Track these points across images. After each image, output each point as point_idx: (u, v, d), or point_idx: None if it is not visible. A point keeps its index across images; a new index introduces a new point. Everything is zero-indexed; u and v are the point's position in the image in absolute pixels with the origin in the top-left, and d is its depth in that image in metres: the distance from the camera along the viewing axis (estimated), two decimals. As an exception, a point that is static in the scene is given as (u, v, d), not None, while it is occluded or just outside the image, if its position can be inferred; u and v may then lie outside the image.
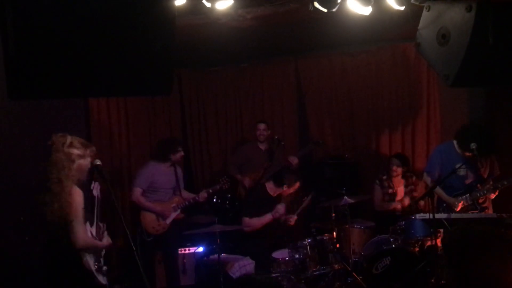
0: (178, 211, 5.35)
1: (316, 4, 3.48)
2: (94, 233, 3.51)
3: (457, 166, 4.53)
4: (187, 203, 5.38)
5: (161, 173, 5.34)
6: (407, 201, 5.61)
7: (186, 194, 5.52)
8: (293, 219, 5.18)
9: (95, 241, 3.48)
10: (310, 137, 6.79)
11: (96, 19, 2.41)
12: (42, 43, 2.35)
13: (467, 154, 4.58)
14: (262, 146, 6.35)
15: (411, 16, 3.65)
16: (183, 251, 5.68)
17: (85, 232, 3.36)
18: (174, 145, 5.41)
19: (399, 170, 5.67)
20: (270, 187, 5.23)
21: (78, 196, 3.30)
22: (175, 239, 5.48)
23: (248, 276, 3.95)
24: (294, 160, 6.13)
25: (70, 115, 5.50)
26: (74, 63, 2.41)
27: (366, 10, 3.55)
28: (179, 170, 5.54)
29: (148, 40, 2.48)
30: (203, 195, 5.41)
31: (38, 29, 2.33)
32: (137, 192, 5.27)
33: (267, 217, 5.08)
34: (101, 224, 3.63)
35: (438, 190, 4.78)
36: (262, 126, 6.35)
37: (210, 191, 5.47)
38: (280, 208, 5.10)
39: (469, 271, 1.77)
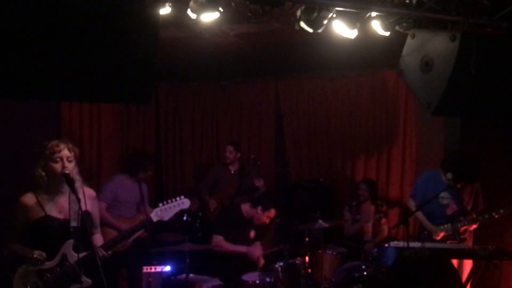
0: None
1: (302, 24, 3.44)
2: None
3: (440, 194, 4.49)
4: None
5: (126, 188, 5.18)
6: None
7: (151, 211, 5.33)
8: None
9: None
10: (286, 159, 6.75)
11: (78, 23, 2.33)
12: (16, 43, 2.25)
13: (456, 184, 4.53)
14: (232, 168, 6.28)
15: (395, 43, 3.67)
16: (149, 270, 5.46)
17: None
18: (148, 163, 5.28)
19: (366, 194, 5.72)
20: (245, 208, 5.09)
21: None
22: (139, 257, 5.25)
23: None
24: (259, 183, 6.07)
25: (40, 123, 5.33)
26: (50, 65, 2.31)
27: (351, 34, 3.53)
28: (144, 186, 5.39)
29: (131, 47, 2.41)
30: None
31: (14, 29, 2.23)
32: (102, 206, 4.99)
33: (242, 249, 4.92)
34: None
35: (421, 216, 4.74)
36: (229, 148, 6.29)
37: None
38: (256, 249, 4.95)
39: None
